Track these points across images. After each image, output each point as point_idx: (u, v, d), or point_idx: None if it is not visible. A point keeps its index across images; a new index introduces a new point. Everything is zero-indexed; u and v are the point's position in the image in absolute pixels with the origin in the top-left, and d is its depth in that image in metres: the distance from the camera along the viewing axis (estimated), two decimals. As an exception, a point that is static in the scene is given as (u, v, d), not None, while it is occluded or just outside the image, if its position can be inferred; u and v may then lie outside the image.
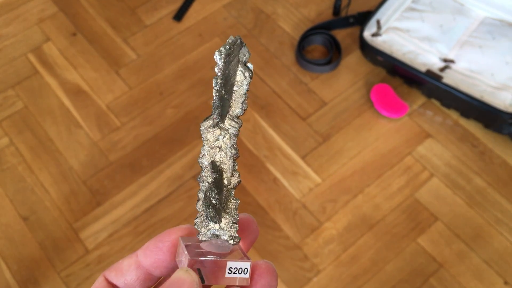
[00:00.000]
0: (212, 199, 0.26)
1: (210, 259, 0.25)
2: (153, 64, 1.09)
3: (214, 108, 0.25)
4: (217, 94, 0.25)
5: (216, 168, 0.26)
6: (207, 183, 0.26)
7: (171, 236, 0.26)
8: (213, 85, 0.25)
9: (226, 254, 0.25)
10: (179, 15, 1.15)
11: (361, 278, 0.86)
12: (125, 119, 1.02)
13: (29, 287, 0.86)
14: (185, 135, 1.00)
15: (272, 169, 0.96)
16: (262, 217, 0.92)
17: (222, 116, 0.25)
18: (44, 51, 1.11)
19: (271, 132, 1.00)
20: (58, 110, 1.03)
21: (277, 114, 1.02)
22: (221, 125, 0.25)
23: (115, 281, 0.26)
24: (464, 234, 0.89)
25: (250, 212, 0.92)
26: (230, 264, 0.24)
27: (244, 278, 0.24)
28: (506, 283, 0.85)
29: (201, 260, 0.24)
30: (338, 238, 0.89)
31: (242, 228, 0.27)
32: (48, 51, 1.11)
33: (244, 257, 0.25)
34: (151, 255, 0.25)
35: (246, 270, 0.24)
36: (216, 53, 0.25)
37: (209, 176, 0.26)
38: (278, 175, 0.96)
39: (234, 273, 0.24)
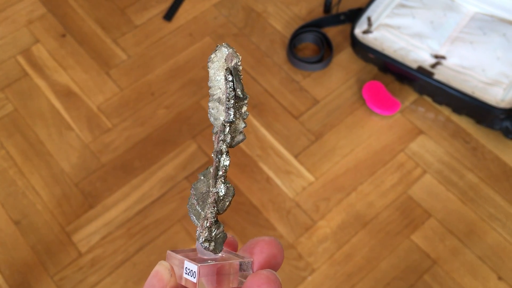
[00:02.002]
0: (192, 197, 0.26)
1: (180, 257, 0.25)
2: (144, 65, 1.08)
3: (209, 115, 0.26)
4: (209, 100, 0.26)
5: (206, 172, 0.27)
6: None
7: None
8: None
9: (221, 260, 0.25)
10: (169, 15, 1.14)
11: (356, 276, 0.86)
12: (116, 120, 1.01)
13: (22, 291, 0.85)
14: (177, 135, 1.00)
15: (265, 168, 0.96)
16: (256, 217, 0.91)
17: (215, 123, 0.26)
18: (33, 53, 1.10)
19: (264, 131, 1.00)
20: (49, 113, 1.02)
21: (269, 113, 1.02)
22: (216, 130, 0.26)
23: None
24: (458, 230, 0.90)
25: (243, 212, 0.92)
26: (186, 263, 0.24)
27: (192, 282, 0.23)
28: (499, 278, 0.85)
29: (174, 257, 0.25)
30: (332, 236, 0.89)
31: (259, 248, 0.26)
32: (37, 53, 1.10)
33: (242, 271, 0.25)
34: None
35: (194, 273, 0.23)
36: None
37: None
38: (271, 174, 0.95)
39: (188, 274, 0.24)
